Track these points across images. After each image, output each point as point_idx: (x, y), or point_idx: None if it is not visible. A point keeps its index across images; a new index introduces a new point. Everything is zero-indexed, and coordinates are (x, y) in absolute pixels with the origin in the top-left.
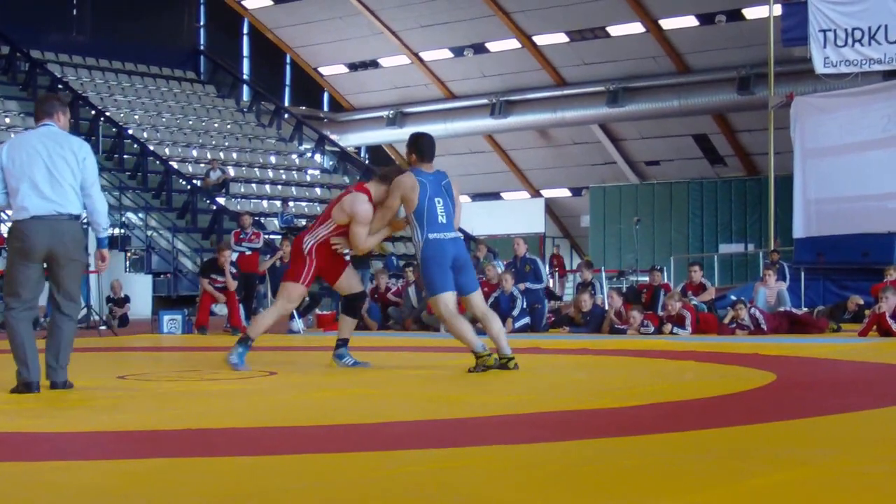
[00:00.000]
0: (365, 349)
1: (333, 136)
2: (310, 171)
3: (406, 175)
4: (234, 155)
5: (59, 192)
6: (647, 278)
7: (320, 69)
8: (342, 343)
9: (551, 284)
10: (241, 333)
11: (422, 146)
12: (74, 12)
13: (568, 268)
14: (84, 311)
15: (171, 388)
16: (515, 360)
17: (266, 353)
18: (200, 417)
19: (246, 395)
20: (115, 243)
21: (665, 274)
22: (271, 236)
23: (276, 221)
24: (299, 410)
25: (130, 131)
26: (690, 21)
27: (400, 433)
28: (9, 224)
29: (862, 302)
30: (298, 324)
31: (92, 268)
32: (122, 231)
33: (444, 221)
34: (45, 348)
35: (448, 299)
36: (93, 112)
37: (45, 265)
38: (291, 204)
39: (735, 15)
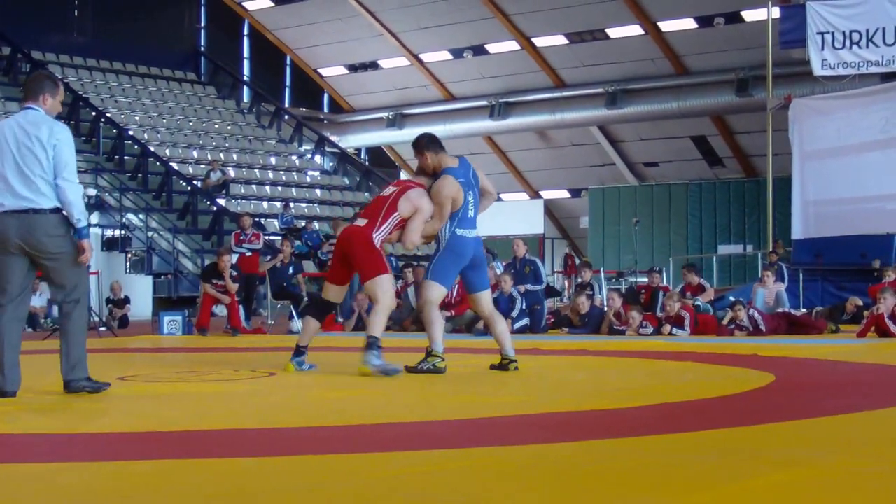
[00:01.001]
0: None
1: (333, 138)
2: (310, 173)
3: (447, 182)
4: (235, 156)
5: (31, 187)
6: (646, 279)
7: (320, 70)
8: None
9: (567, 286)
10: (241, 333)
11: (430, 141)
12: (75, 13)
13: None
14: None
15: (172, 389)
16: (517, 363)
17: (265, 354)
18: (200, 418)
19: (246, 396)
20: (115, 244)
21: (664, 275)
22: (271, 237)
23: (276, 223)
24: (299, 411)
25: (131, 132)
26: (689, 23)
27: (399, 434)
28: None
29: (861, 303)
30: (297, 324)
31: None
32: (123, 232)
33: (472, 215)
34: (60, 349)
35: (441, 293)
36: (93, 113)
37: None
38: (292, 205)
39: (733, 17)
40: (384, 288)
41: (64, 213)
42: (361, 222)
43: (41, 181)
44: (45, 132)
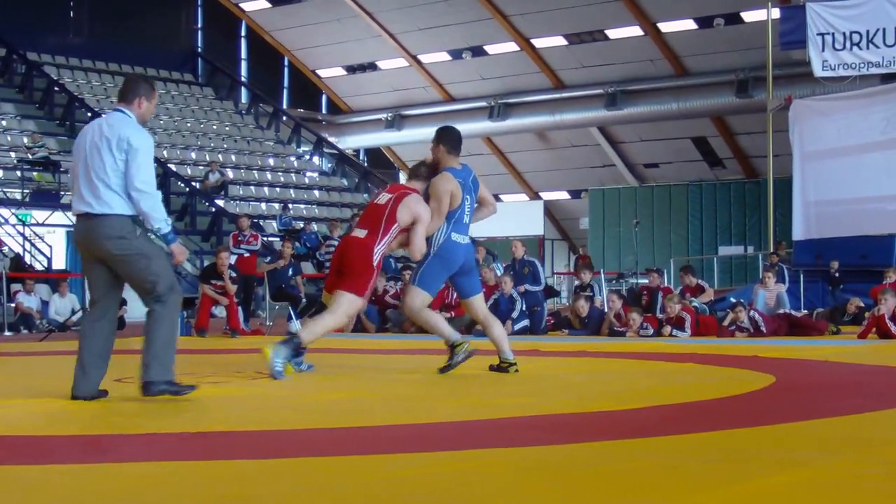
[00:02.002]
0: (363, 352)
1: (332, 139)
2: (308, 174)
3: (446, 178)
4: (233, 157)
5: (93, 191)
6: (646, 280)
7: (318, 71)
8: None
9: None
10: (239, 335)
11: (451, 138)
12: (71, 14)
13: (568, 270)
14: (80, 314)
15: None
16: (517, 366)
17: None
18: (199, 420)
19: (245, 398)
20: None
21: (666, 276)
22: (270, 238)
23: (274, 224)
24: (298, 413)
25: None
26: (689, 24)
27: (399, 436)
28: None
29: (862, 304)
30: (296, 325)
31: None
32: None
33: (467, 221)
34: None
35: (425, 300)
36: (89, 114)
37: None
38: (290, 206)
39: (733, 18)
40: (346, 308)
41: (125, 217)
42: (361, 233)
43: (103, 186)
44: (117, 137)
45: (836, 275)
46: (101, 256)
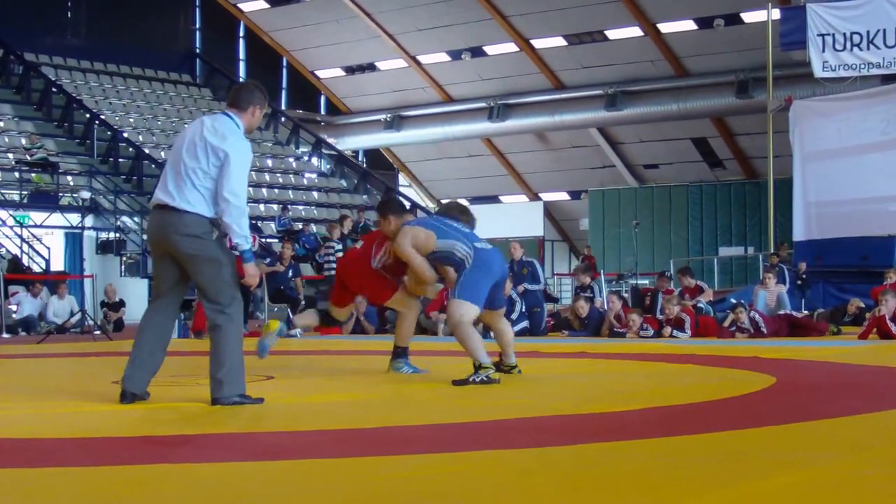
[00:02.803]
0: (362, 353)
1: (331, 140)
2: (307, 175)
3: (403, 232)
4: None
5: (178, 184)
6: (647, 282)
7: (317, 72)
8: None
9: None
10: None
11: (394, 206)
12: (69, 15)
13: (568, 271)
14: (78, 316)
15: (167, 392)
16: (518, 367)
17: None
18: (196, 422)
19: None
20: (110, 247)
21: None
22: (268, 240)
23: (273, 225)
24: (296, 415)
25: (125, 135)
26: (689, 25)
27: (399, 438)
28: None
29: (863, 305)
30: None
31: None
32: (118, 235)
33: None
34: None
35: (474, 312)
36: (87, 115)
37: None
38: (290, 208)
39: (733, 19)
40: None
41: (202, 217)
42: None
43: (189, 184)
44: (217, 138)
45: (804, 277)
46: (172, 252)
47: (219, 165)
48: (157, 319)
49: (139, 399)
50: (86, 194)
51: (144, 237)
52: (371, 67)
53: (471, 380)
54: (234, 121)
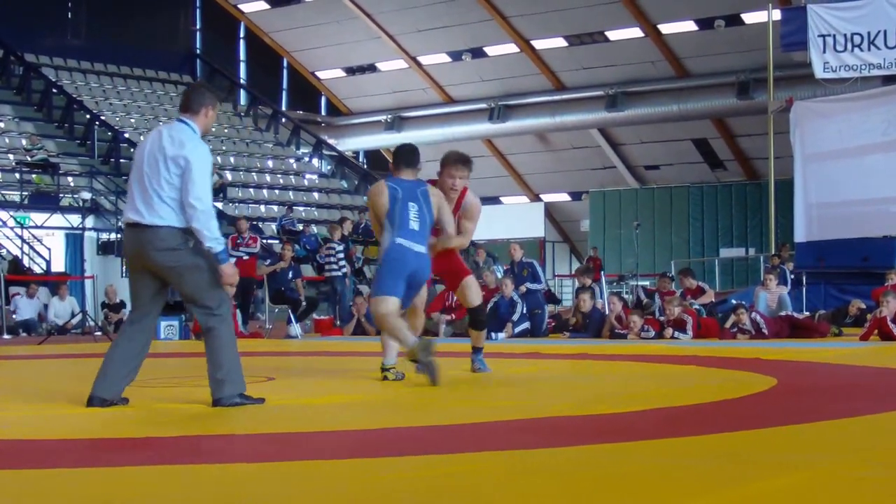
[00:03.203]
0: (364, 354)
1: (331, 141)
2: (308, 176)
3: (373, 189)
4: (232, 159)
5: (146, 201)
6: (647, 283)
7: (318, 73)
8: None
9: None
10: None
11: (398, 154)
12: (69, 16)
13: (569, 273)
14: (79, 317)
15: (168, 393)
16: (395, 370)
17: (264, 359)
18: (197, 423)
19: None
20: (111, 248)
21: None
22: (269, 241)
23: (273, 226)
24: (296, 416)
25: (126, 135)
26: (689, 26)
27: (397, 439)
28: None
29: (864, 306)
30: (296, 329)
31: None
32: (119, 236)
33: (416, 228)
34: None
35: (390, 304)
36: (88, 116)
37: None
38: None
39: (734, 20)
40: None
41: (175, 229)
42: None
43: (156, 197)
44: (173, 148)
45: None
46: (152, 267)
47: (180, 174)
48: (134, 333)
49: (111, 404)
50: (86, 195)
51: None
52: (371, 68)
53: (418, 370)
54: (190, 126)
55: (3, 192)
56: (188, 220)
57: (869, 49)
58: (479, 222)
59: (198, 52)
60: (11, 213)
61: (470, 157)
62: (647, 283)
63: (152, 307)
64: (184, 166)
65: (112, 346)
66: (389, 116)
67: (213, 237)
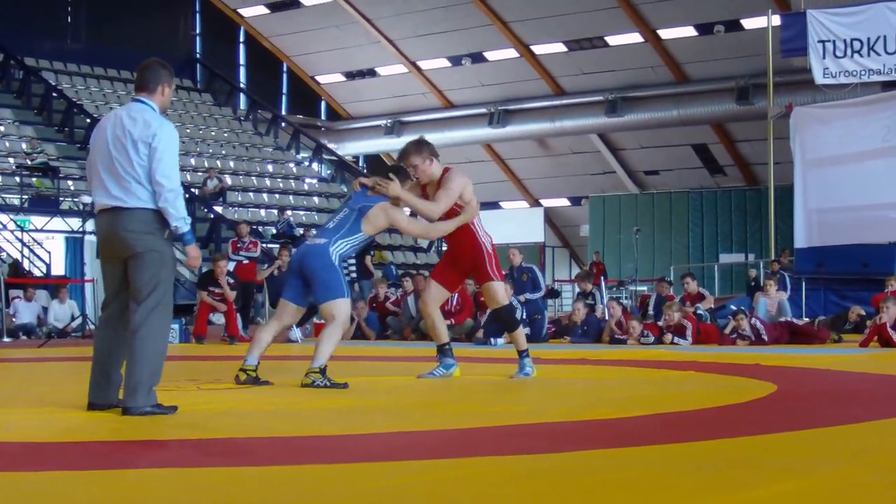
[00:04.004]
0: (363, 359)
1: (331, 145)
2: (307, 180)
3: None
4: (231, 163)
5: (121, 185)
6: (644, 288)
7: (317, 78)
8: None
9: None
10: (238, 342)
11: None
12: (69, 20)
13: (569, 278)
14: (79, 320)
15: (168, 397)
16: (246, 374)
17: (263, 363)
18: (197, 427)
19: (243, 404)
20: None
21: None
22: (269, 245)
23: (273, 230)
24: (295, 420)
25: None
26: (689, 31)
27: (397, 444)
28: None
29: (863, 312)
30: (295, 333)
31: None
32: None
33: (329, 226)
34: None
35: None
36: (88, 120)
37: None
38: (290, 213)
39: (734, 25)
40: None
41: (152, 211)
42: None
43: (132, 180)
44: (140, 129)
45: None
46: (122, 252)
47: (148, 154)
48: (115, 327)
49: (110, 407)
50: (86, 199)
51: None
52: (371, 73)
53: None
54: (149, 105)
55: (3, 195)
56: (157, 200)
57: (869, 55)
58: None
59: (198, 56)
60: (12, 216)
61: (414, 142)
62: (644, 288)
63: (122, 301)
64: (153, 145)
65: (103, 351)
66: (389, 121)
67: (179, 216)
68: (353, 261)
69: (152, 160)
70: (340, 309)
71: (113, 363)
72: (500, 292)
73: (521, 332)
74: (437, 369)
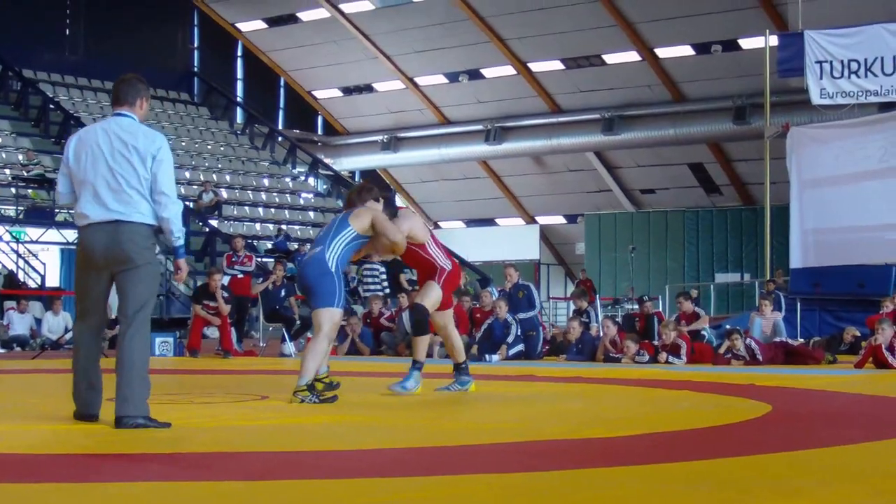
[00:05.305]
0: (357, 374)
1: (327, 160)
2: (303, 195)
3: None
4: (227, 177)
5: (122, 199)
6: (636, 307)
7: (314, 92)
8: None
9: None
10: (232, 356)
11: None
12: (67, 32)
13: (564, 295)
14: (73, 333)
15: (162, 411)
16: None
17: (257, 377)
18: (191, 441)
19: (236, 418)
20: None
21: (661, 303)
22: (264, 259)
23: (269, 244)
24: (289, 435)
25: None
26: (686, 50)
27: (390, 460)
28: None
29: (858, 333)
30: (290, 347)
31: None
32: None
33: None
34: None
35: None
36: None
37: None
38: (285, 227)
39: (731, 45)
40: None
41: (151, 226)
42: None
43: (135, 194)
44: (144, 142)
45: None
46: (121, 264)
47: (153, 168)
48: (96, 338)
49: (97, 418)
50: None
51: None
52: (368, 88)
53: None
54: (135, 119)
55: None
56: (159, 211)
57: (866, 76)
58: (474, 244)
59: (195, 70)
60: (7, 227)
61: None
62: (636, 307)
63: (101, 311)
64: (157, 157)
65: (89, 360)
66: (386, 137)
67: (179, 228)
68: (384, 275)
69: (156, 172)
70: (326, 319)
71: (96, 373)
72: (433, 295)
73: (425, 340)
74: (453, 385)
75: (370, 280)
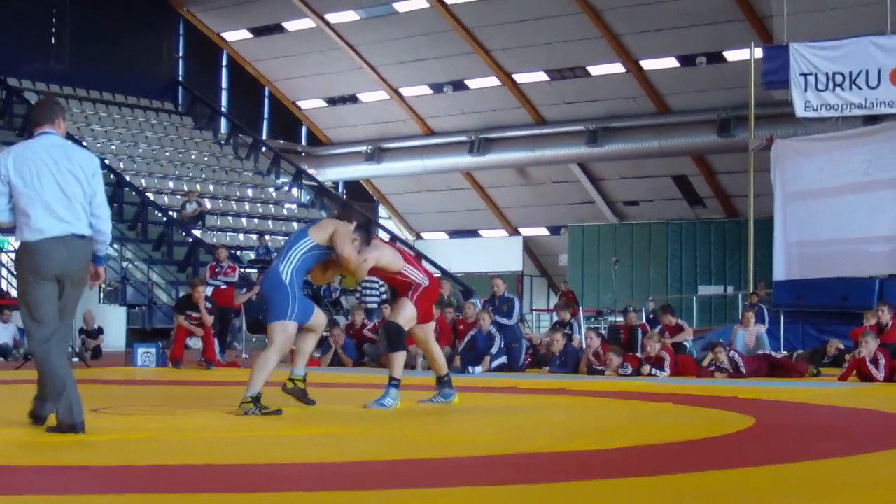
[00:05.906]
0: (340, 386)
1: (311, 171)
2: (287, 205)
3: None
4: (211, 187)
5: (72, 211)
6: (622, 319)
7: (299, 103)
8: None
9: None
10: (215, 367)
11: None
12: (53, 41)
13: (547, 307)
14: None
15: (144, 422)
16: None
17: (240, 388)
18: (173, 453)
19: (221, 430)
20: None
21: (644, 315)
22: (247, 270)
23: (252, 255)
24: (272, 447)
25: (107, 161)
26: (671, 62)
27: (372, 472)
28: (17, 244)
29: (842, 346)
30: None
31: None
32: None
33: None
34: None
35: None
36: (69, 141)
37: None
38: (268, 238)
39: (716, 57)
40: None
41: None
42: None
43: (80, 207)
44: (84, 159)
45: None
46: (76, 274)
47: (91, 184)
48: (60, 353)
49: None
50: None
51: (124, 265)
52: (353, 99)
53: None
54: (59, 137)
55: None
56: (98, 224)
57: (850, 89)
58: (457, 255)
59: (180, 79)
60: None
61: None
62: (621, 319)
63: (63, 319)
64: (94, 175)
65: (65, 370)
66: (370, 147)
67: (109, 240)
68: (384, 287)
69: (98, 188)
70: (279, 331)
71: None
72: (406, 312)
73: (401, 357)
74: (436, 397)
75: (370, 292)
